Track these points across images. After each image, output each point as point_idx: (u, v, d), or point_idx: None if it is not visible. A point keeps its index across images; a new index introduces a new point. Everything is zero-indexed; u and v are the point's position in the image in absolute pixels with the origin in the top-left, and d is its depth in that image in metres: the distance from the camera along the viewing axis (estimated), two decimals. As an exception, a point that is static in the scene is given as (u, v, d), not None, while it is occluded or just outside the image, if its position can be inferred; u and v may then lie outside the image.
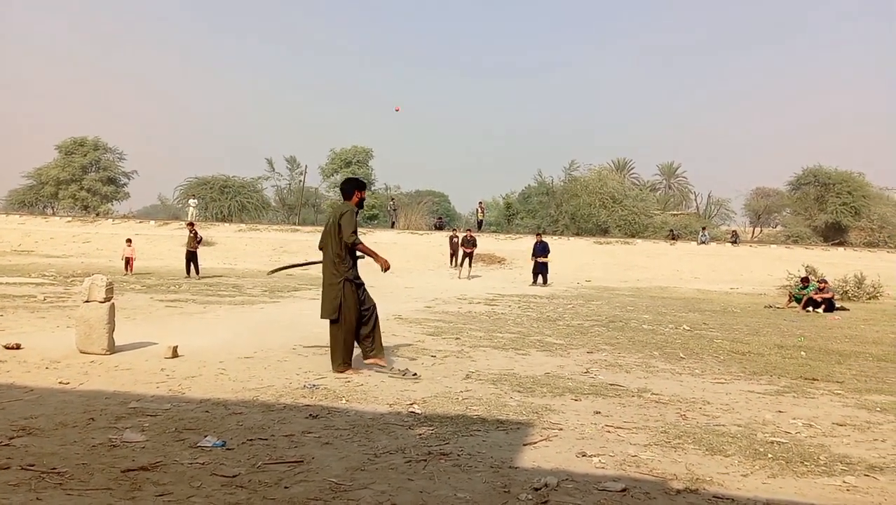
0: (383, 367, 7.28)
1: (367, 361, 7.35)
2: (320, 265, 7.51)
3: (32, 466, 3.97)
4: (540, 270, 24.24)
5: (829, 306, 18.01)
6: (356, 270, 7.37)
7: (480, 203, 43.20)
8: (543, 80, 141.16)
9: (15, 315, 10.13)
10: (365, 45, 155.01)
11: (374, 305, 7.47)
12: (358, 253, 7.40)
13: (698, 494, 4.05)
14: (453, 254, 28.62)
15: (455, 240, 28.52)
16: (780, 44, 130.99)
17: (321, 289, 7.35)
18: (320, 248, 7.49)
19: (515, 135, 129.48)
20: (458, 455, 4.57)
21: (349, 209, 7.26)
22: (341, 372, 7.09)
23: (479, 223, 41.48)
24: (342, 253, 7.23)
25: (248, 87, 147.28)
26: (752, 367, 8.60)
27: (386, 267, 7.32)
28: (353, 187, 7.48)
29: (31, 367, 6.70)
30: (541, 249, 24.41)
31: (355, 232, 7.19)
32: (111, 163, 53.22)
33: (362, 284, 7.40)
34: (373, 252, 7.31)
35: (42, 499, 3.50)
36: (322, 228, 7.66)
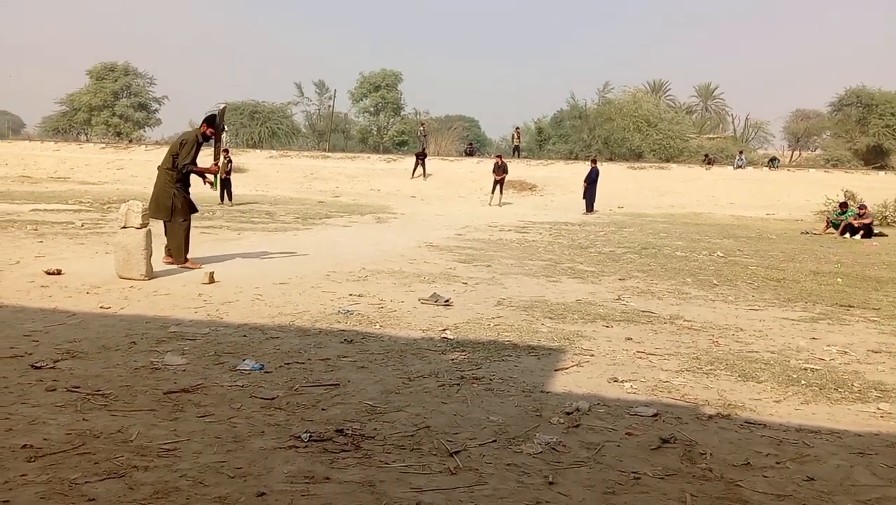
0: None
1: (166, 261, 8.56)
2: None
3: (78, 387, 4.10)
4: (586, 195, 23.93)
5: (868, 232, 17.68)
6: (185, 183, 8.76)
7: (517, 129, 42.16)
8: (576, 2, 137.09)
9: (55, 241, 10.35)
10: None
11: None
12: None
13: (730, 419, 4.07)
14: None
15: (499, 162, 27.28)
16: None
17: (152, 196, 8.66)
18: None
19: (546, 56, 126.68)
20: (491, 380, 4.63)
21: (191, 140, 8.63)
22: (185, 264, 8.42)
23: (516, 149, 40.41)
24: (173, 170, 8.53)
25: (276, 9, 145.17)
26: (787, 293, 8.52)
27: (215, 171, 9.23)
28: (203, 121, 8.85)
29: (72, 292, 6.86)
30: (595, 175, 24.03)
31: (191, 161, 8.58)
32: (142, 88, 53.26)
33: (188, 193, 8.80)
34: (200, 169, 8.81)
35: (88, 419, 3.63)
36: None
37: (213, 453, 3.29)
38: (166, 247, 8.63)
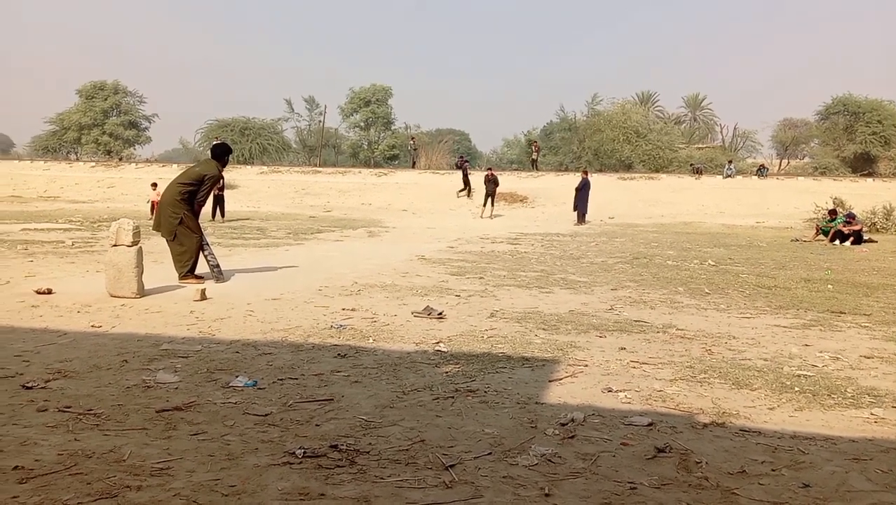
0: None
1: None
2: None
3: (69, 407, 4.07)
4: (577, 206, 23.94)
5: (857, 239, 17.77)
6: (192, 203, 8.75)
7: (535, 142, 41.63)
8: (567, 15, 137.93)
9: (45, 260, 10.29)
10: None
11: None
12: None
13: (725, 427, 4.07)
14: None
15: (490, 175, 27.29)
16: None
17: (159, 214, 8.76)
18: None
19: (537, 70, 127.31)
20: (485, 392, 4.62)
21: (216, 177, 8.91)
22: (187, 279, 8.49)
23: (533, 163, 39.83)
24: (187, 196, 8.65)
25: (265, 27, 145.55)
26: (779, 301, 8.54)
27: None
28: (227, 153, 9.27)
29: (63, 311, 6.82)
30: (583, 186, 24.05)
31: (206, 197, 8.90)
32: (132, 106, 53.22)
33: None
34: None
35: (80, 439, 3.60)
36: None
37: (207, 472, 3.26)
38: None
